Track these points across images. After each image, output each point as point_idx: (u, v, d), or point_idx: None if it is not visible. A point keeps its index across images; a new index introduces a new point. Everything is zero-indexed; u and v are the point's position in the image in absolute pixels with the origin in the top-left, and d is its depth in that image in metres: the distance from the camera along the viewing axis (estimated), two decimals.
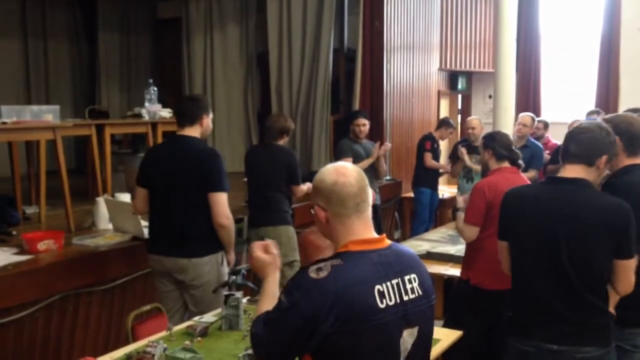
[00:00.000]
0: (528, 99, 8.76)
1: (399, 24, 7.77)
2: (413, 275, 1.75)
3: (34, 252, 3.80)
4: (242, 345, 2.63)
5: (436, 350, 2.69)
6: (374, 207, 5.05)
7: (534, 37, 8.80)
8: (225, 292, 2.96)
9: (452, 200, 5.73)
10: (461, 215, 3.68)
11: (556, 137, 6.24)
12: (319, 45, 7.29)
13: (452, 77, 9.41)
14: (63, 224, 4.53)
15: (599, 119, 3.55)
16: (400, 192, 7.71)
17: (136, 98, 8.34)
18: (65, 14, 9.16)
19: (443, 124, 6.86)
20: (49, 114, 4.64)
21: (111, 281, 4.00)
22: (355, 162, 5.18)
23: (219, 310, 3.02)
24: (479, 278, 3.58)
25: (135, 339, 2.89)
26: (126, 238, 4.19)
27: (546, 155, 6.23)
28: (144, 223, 3.96)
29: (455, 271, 4.18)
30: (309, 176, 3.77)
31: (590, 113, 6.61)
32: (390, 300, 1.67)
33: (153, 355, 2.46)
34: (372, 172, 5.58)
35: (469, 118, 6.64)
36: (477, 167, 5.31)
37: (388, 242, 1.78)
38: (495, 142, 3.63)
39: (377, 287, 1.66)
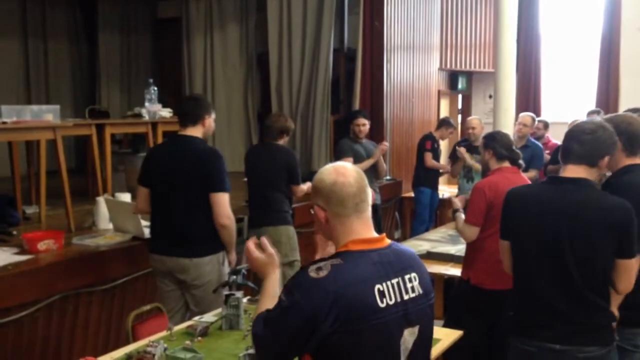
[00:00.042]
0: (528, 98, 8.76)
1: (399, 23, 7.77)
2: (413, 274, 1.75)
3: (34, 252, 3.80)
4: (242, 345, 2.63)
5: (436, 350, 2.69)
6: (374, 206, 5.06)
7: (534, 37, 8.80)
8: (225, 291, 2.96)
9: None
10: (460, 216, 3.69)
11: (556, 137, 6.24)
12: (319, 45, 7.29)
13: (453, 77, 9.41)
14: (63, 223, 4.53)
15: (599, 119, 3.54)
16: (400, 191, 7.71)
17: (136, 98, 8.34)
18: (65, 14, 9.16)
19: (443, 123, 6.86)
20: (49, 113, 4.64)
21: (111, 281, 4.00)
22: (355, 162, 5.19)
23: (219, 310, 3.02)
24: (479, 278, 3.58)
25: (135, 339, 2.89)
26: (126, 238, 4.19)
27: (546, 155, 6.24)
28: (144, 223, 3.97)
29: (455, 271, 4.18)
30: (309, 176, 3.76)
31: (590, 113, 6.61)
32: (391, 299, 1.67)
33: (153, 355, 2.46)
34: (373, 171, 5.58)
35: (469, 118, 6.63)
36: (478, 166, 5.31)
37: (388, 241, 1.78)
38: (495, 142, 3.63)
39: (377, 286, 1.66)
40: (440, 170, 6.88)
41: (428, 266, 1.98)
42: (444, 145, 7.52)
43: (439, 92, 8.98)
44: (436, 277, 4.20)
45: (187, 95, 7.05)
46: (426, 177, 6.71)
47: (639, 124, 2.69)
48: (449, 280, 4.35)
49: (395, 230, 7.65)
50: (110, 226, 4.46)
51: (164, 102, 5.93)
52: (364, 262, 1.68)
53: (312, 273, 1.64)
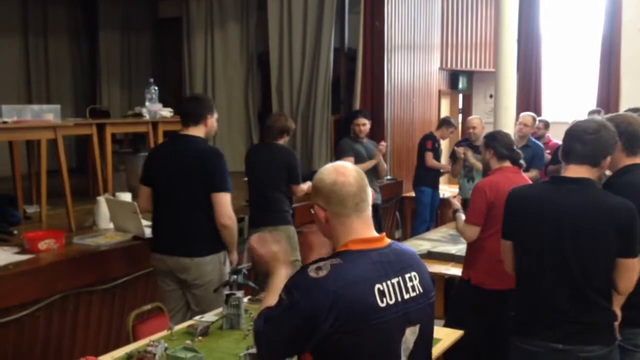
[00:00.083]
0: (529, 98, 8.76)
1: (400, 23, 7.77)
2: (413, 273, 1.75)
3: (34, 252, 3.80)
4: (243, 344, 2.63)
5: (437, 349, 2.68)
6: (375, 206, 5.06)
7: (535, 37, 8.79)
8: (226, 291, 2.96)
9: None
10: (460, 216, 3.68)
11: (557, 137, 6.23)
12: (319, 44, 7.29)
13: (453, 77, 9.40)
14: (64, 223, 4.54)
15: (599, 118, 3.54)
16: (401, 191, 7.71)
17: (137, 97, 8.34)
18: (66, 12, 9.16)
19: (444, 123, 6.86)
20: (49, 113, 4.64)
21: (112, 280, 4.00)
22: (356, 162, 5.19)
23: (220, 310, 3.02)
24: (480, 278, 3.58)
25: (136, 339, 2.89)
26: (127, 237, 4.19)
27: (547, 155, 6.23)
28: (145, 222, 3.97)
29: (456, 271, 4.18)
30: (310, 176, 3.76)
31: (591, 112, 6.61)
32: (391, 299, 1.67)
33: (154, 355, 2.46)
34: (373, 171, 5.58)
35: (470, 117, 6.63)
36: (479, 165, 5.31)
37: (388, 241, 1.78)
38: (496, 142, 3.63)
39: (377, 286, 1.66)
40: (441, 170, 6.88)
41: (429, 266, 1.98)
42: (444, 145, 7.51)
43: (439, 91, 8.97)
44: (437, 277, 4.20)
45: (190, 95, 7.07)
46: (427, 177, 6.71)
47: (639, 123, 2.69)
48: (450, 280, 4.35)
49: (396, 230, 7.65)
50: (111, 226, 4.46)
51: (164, 101, 5.93)
52: (363, 261, 1.68)
53: (312, 273, 1.64)
